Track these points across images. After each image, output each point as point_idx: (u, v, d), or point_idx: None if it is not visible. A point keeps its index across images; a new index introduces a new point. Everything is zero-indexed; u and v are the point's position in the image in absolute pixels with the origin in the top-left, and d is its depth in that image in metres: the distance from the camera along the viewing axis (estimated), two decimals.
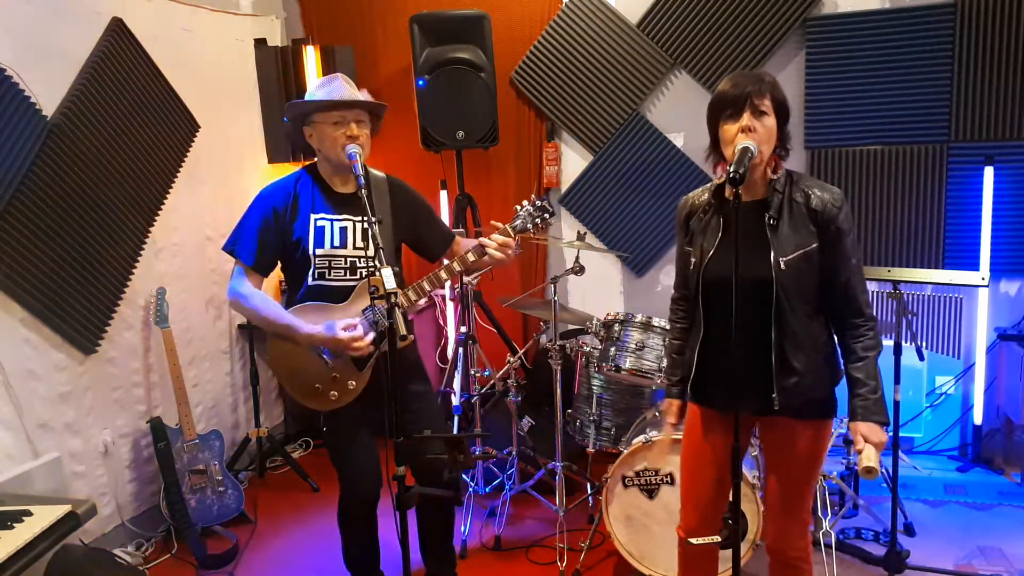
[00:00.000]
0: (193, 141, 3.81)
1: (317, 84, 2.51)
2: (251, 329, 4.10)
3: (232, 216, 4.14)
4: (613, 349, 3.23)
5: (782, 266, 2.01)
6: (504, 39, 4.21)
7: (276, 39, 4.52)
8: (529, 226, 2.57)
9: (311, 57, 4.27)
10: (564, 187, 4.48)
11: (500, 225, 2.56)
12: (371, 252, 2.51)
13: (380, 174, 2.64)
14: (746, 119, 1.97)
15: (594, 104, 4.32)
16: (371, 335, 2.44)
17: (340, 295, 2.51)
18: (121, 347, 3.39)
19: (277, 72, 4.28)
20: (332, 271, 2.51)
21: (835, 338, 2.12)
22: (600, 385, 3.44)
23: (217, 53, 4.03)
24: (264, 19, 4.47)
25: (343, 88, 2.47)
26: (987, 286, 3.64)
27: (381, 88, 4.59)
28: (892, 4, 3.85)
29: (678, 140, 4.27)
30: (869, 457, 2.02)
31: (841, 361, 2.12)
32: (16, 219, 2.87)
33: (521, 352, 3.77)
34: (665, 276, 4.42)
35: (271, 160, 4.40)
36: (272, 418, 4.52)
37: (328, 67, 4.29)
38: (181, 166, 3.74)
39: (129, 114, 3.40)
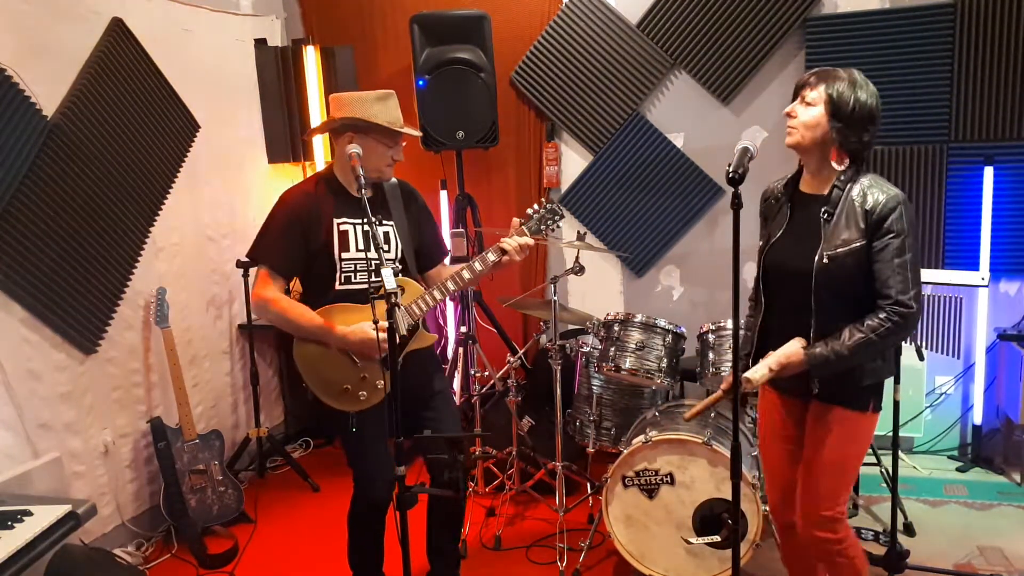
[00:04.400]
0: (193, 141, 3.81)
1: (373, 96, 2.51)
2: (251, 329, 4.10)
3: (233, 216, 4.19)
4: (613, 349, 3.23)
5: (824, 260, 2.08)
6: (504, 39, 4.21)
7: (276, 39, 4.53)
8: (543, 228, 2.62)
9: (311, 57, 4.28)
10: (564, 187, 4.48)
11: (517, 224, 2.60)
12: (385, 254, 2.52)
13: (393, 179, 2.67)
14: (790, 106, 2.13)
15: (594, 104, 4.32)
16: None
17: (365, 297, 2.49)
18: (121, 347, 3.39)
19: (277, 72, 4.29)
20: (357, 274, 2.54)
21: None
22: (600, 385, 3.44)
23: (217, 53, 4.03)
24: (264, 19, 4.47)
25: (398, 111, 2.53)
26: (987, 286, 3.65)
27: (381, 88, 4.58)
28: (892, 4, 3.85)
29: (678, 140, 4.27)
30: (758, 369, 2.12)
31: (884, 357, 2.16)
32: (16, 219, 2.87)
33: (521, 352, 3.77)
34: (665, 276, 4.42)
35: (271, 160, 4.40)
36: (272, 418, 4.52)
37: (328, 67, 4.29)
38: (181, 166, 3.74)
39: (129, 114, 3.40)
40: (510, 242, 2.54)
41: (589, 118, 4.35)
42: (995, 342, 3.85)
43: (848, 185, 2.10)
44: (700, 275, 4.35)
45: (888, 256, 2.03)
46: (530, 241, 2.57)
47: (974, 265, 3.80)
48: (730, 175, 1.89)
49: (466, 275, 2.57)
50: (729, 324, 3.09)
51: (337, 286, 2.52)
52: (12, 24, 2.88)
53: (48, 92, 3.01)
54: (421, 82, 3.94)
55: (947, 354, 3.86)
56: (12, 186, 2.84)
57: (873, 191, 2.06)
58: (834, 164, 2.12)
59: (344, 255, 2.52)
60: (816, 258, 2.09)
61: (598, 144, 4.36)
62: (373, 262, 2.55)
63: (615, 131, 4.32)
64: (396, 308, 2.02)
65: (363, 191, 2.24)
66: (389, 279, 2.04)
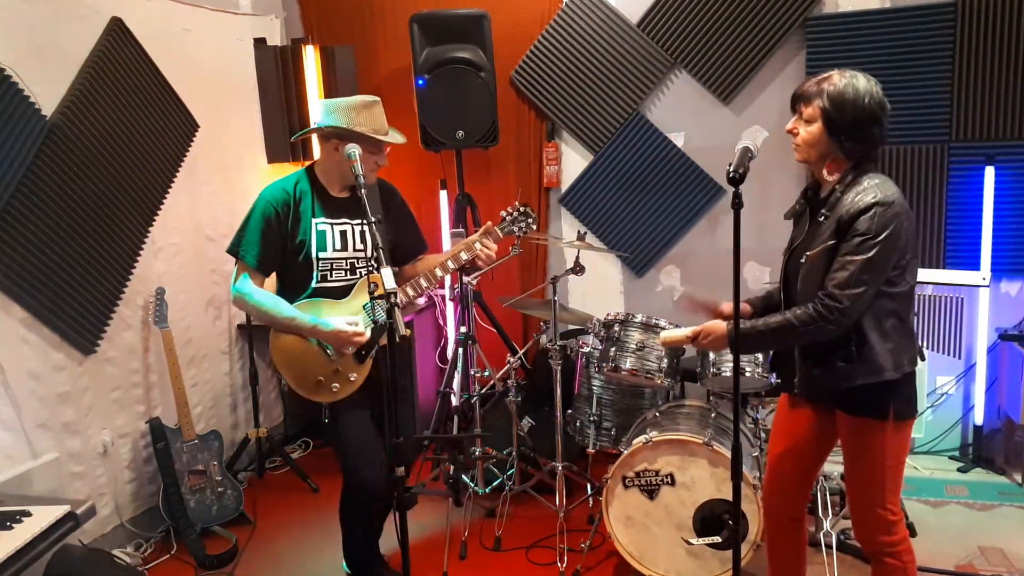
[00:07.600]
0: (193, 141, 3.81)
1: (359, 103, 2.54)
2: (251, 329, 4.10)
3: (232, 216, 4.18)
4: (613, 349, 3.22)
5: (802, 260, 2.11)
6: (504, 39, 4.20)
7: (276, 39, 4.52)
8: (515, 229, 2.79)
9: (311, 57, 4.27)
10: (564, 187, 4.47)
11: (493, 227, 2.75)
12: (371, 252, 2.56)
13: None
14: (791, 123, 2.11)
15: (594, 104, 4.32)
16: (368, 330, 2.55)
17: (341, 293, 2.62)
18: (120, 347, 3.38)
19: (277, 72, 4.27)
20: (334, 272, 2.62)
21: (870, 338, 2.05)
22: (600, 385, 3.43)
23: (217, 53, 4.03)
24: (264, 19, 4.47)
25: (383, 119, 2.57)
26: (988, 286, 3.65)
27: (381, 88, 4.59)
28: (892, 4, 3.85)
29: (678, 140, 4.27)
30: (676, 331, 2.33)
31: (881, 361, 2.05)
32: (16, 219, 2.86)
33: (521, 352, 3.76)
34: (665, 276, 4.42)
35: (270, 160, 4.39)
36: (272, 418, 4.52)
37: (328, 67, 4.29)
38: (181, 166, 3.73)
39: (129, 114, 3.39)
40: (484, 250, 2.67)
41: (589, 118, 4.34)
42: (996, 342, 3.85)
43: (847, 187, 2.07)
44: (700, 275, 4.35)
45: (844, 251, 2.00)
46: (494, 245, 2.70)
47: (975, 265, 3.79)
48: (731, 175, 1.89)
49: (438, 272, 2.68)
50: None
51: (314, 284, 2.59)
52: (12, 24, 2.87)
53: (48, 92, 3.01)
54: (421, 81, 3.94)
55: (948, 354, 3.86)
56: (12, 186, 2.83)
57: (866, 193, 2.01)
58: (827, 174, 2.11)
59: (321, 255, 2.58)
60: (800, 259, 2.12)
61: (598, 144, 4.36)
62: (349, 261, 2.63)
63: (615, 131, 4.31)
64: (396, 308, 2.04)
65: (362, 191, 2.26)
66: (389, 279, 2.07)
